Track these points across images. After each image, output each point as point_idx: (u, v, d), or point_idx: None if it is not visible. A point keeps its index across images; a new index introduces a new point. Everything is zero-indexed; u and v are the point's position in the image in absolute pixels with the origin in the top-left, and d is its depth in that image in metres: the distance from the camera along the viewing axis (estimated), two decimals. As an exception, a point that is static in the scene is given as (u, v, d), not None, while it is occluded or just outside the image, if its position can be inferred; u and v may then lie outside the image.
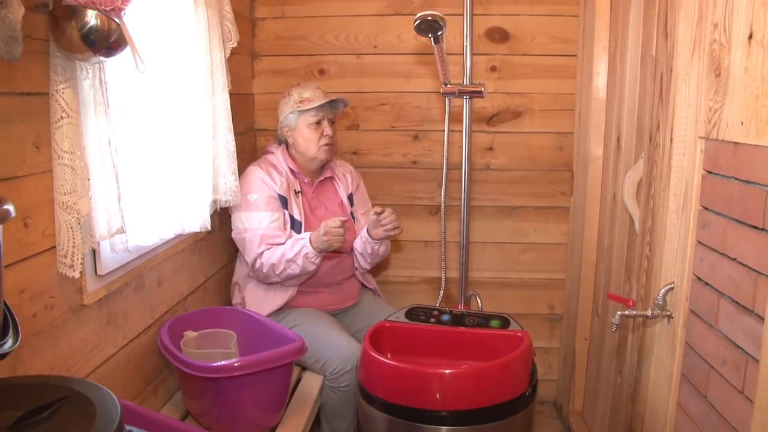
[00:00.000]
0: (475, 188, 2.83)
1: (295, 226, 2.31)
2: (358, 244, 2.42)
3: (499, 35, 2.72)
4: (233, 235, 2.31)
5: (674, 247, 1.59)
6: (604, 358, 2.35)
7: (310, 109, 2.32)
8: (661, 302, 1.60)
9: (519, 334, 1.93)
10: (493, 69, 2.74)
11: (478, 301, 2.34)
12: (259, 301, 2.30)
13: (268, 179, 2.31)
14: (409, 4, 2.72)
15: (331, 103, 2.36)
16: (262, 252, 2.22)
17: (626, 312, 1.69)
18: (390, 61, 2.77)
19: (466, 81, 2.17)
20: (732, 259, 1.30)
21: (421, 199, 2.88)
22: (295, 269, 2.20)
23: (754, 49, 1.23)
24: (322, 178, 2.46)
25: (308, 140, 2.35)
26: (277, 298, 2.30)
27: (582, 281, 2.59)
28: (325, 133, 2.34)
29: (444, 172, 2.30)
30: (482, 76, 2.73)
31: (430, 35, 1.93)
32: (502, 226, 2.87)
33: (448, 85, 2.17)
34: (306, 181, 2.43)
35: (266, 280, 2.27)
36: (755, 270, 1.21)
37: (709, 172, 1.43)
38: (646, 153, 1.88)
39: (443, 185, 2.31)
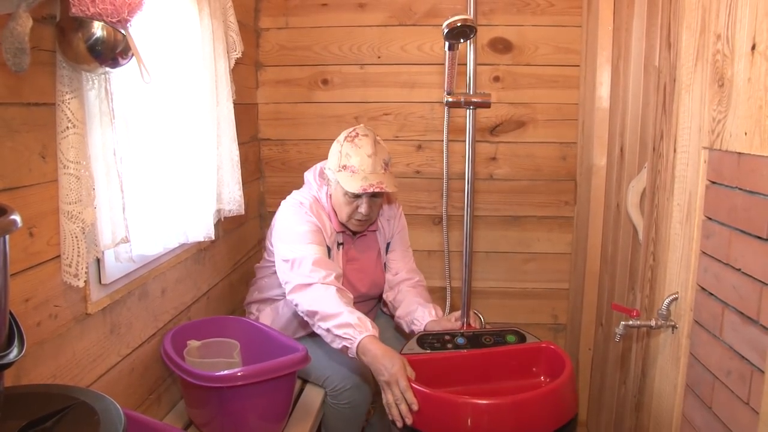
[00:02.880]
0: (479, 198, 2.83)
1: None
2: (403, 322, 2.19)
3: (502, 45, 2.73)
4: (280, 262, 2.05)
5: (678, 258, 1.59)
6: (608, 368, 2.34)
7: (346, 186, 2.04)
8: (665, 312, 1.59)
9: (544, 345, 1.84)
10: (497, 79, 2.75)
11: (481, 318, 2.22)
12: (274, 326, 2.20)
13: (319, 223, 2.10)
14: (413, 15, 2.73)
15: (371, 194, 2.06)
16: (326, 285, 1.92)
17: (630, 322, 1.69)
18: (394, 71, 2.78)
19: (469, 90, 2.10)
20: (736, 270, 1.30)
21: (424, 208, 2.88)
22: (324, 336, 1.91)
23: (757, 60, 1.23)
24: (364, 233, 2.28)
25: (340, 207, 2.12)
26: (295, 333, 2.22)
27: (586, 291, 2.58)
28: (359, 210, 2.09)
29: (444, 182, 2.26)
30: (485, 86, 2.74)
31: (462, 40, 1.87)
32: (506, 236, 2.87)
33: (452, 94, 2.09)
34: (347, 233, 2.23)
35: (292, 305, 2.03)
36: (760, 280, 1.21)
37: (713, 183, 1.42)
38: (650, 163, 1.88)
39: (444, 195, 2.28)
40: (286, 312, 2.21)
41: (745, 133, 1.27)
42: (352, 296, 2.01)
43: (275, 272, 2.13)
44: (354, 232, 2.24)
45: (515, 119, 2.79)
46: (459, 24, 1.82)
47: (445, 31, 1.85)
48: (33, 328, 1.30)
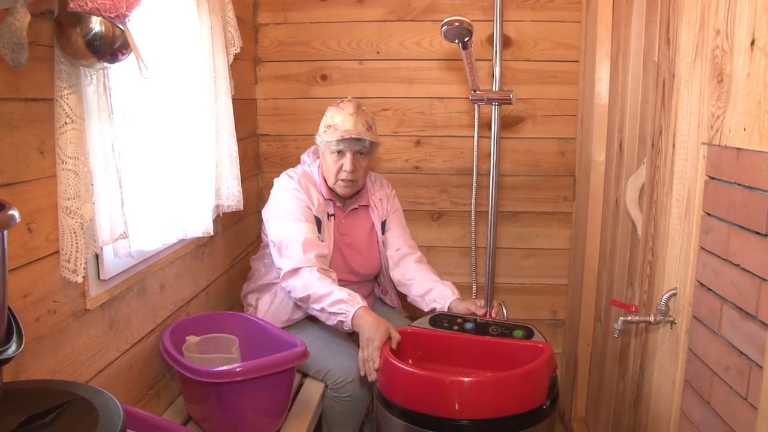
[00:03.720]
0: (478, 193, 2.82)
1: None
2: (423, 302, 2.23)
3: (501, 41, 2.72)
4: (270, 238, 2.16)
5: (677, 253, 1.59)
6: (606, 364, 2.35)
7: (332, 140, 2.17)
8: (663, 308, 1.59)
9: (540, 345, 1.88)
10: (496, 75, 2.75)
11: (504, 310, 2.23)
12: (273, 313, 2.24)
13: (305, 196, 2.19)
14: (411, 11, 2.73)
15: (354, 140, 2.16)
16: (310, 267, 2.02)
17: (629, 318, 1.69)
18: (392, 67, 2.78)
19: (495, 87, 2.11)
20: (735, 265, 1.30)
21: (423, 204, 2.88)
22: (319, 316, 2.02)
23: (757, 56, 1.23)
24: (355, 206, 2.34)
25: (328, 168, 2.21)
26: (293, 313, 2.24)
27: (584, 287, 2.58)
28: (344, 168, 2.17)
29: (474, 178, 2.36)
30: (483, 82, 2.74)
31: (457, 41, 1.90)
32: (505, 232, 2.87)
33: (477, 91, 2.14)
34: (338, 205, 2.30)
35: (287, 291, 2.11)
36: (758, 276, 1.21)
37: (712, 178, 1.42)
38: (649, 159, 1.88)
39: (473, 191, 2.39)
40: (282, 295, 2.23)
41: (744, 129, 1.27)
42: (335, 275, 2.08)
43: (271, 260, 2.20)
44: (344, 205, 2.31)
45: (514, 115, 2.79)
46: (456, 24, 1.84)
47: (443, 28, 1.87)
48: (32, 324, 1.30)
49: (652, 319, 1.62)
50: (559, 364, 2.92)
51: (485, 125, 2.78)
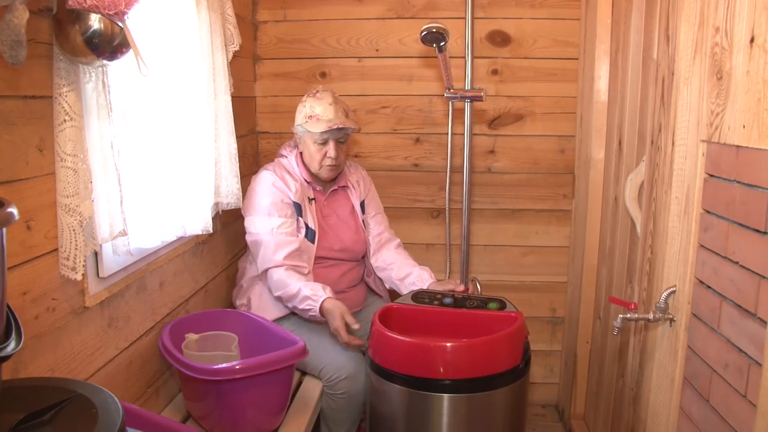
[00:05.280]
0: (477, 191, 2.83)
1: (309, 234, 2.28)
2: (402, 285, 2.37)
3: (500, 38, 2.72)
4: (246, 238, 2.28)
5: (676, 251, 1.59)
6: (605, 361, 2.35)
7: (314, 131, 2.25)
8: (663, 305, 1.59)
9: (513, 314, 2.08)
10: (495, 72, 2.75)
11: (478, 286, 2.48)
12: (265, 306, 2.28)
13: (282, 184, 2.27)
14: (411, 8, 2.73)
15: (337, 129, 2.26)
16: (278, 267, 2.15)
17: (628, 315, 1.69)
18: (391, 65, 2.78)
19: (467, 86, 2.27)
20: (734, 263, 1.30)
21: (422, 201, 2.88)
22: (296, 311, 2.18)
23: (756, 53, 1.23)
24: (335, 187, 2.43)
25: (312, 156, 2.30)
26: (281, 308, 2.28)
27: (584, 284, 2.58)
28: (328, 155, 2.27)
29: (447, 175, 2.38)
30: (484, 80, 2.74)
31: (434, 44, 2.06)
32: (504, 229, 2.88)
33: (451, 90, 2.28)
34: (318, 189, 2.39)
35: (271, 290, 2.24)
36: (758, 273, 1.21)
37: (711, 176, 1.42)
38: (648, 156, 1.88)
39: (447, 188, 2.38)
40: (267, 290, 2.29)
41: (744, 126, 1.27)
42: (306, 270, 2.20)
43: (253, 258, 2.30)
44: (325, 188, 2.40)
45: (513, 112, 2.78)
46: (434, 30, 2.00)
47: (422, 34, 2.03)
48: (31, 322, 1.30)
49: (651, 316, 1.62)
50: (558, 361, 2.93)
51: (483, 122, 2.78)
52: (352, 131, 2.33)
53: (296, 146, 2.38)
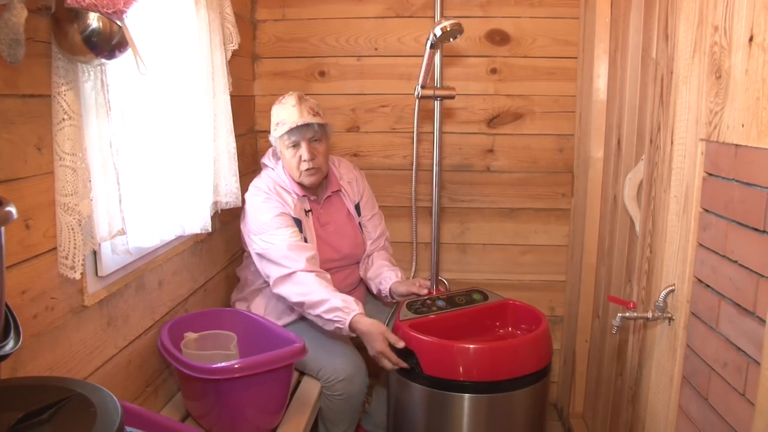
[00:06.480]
0: (476, 190, 2.83)
1: None
2: (372, 284, 2.41)
3: (499, 37, 2.72)
4: (255, 252, 2.18)
5: (675, 250, 1.59)
6: (604, 360, 2.35)
7: (283, 134, 2.20)
8: (661, 304, 1.59)
9: (536, 311, 2.19)
10: (494, 71, 2.75)
11: (446, 283, 2.54)
12: (269, 316, 2.24)
13: (279, 200, 2.21)
14: (410, 7, 2.72)
15: (303, 127, 2.18)
16: (303, 271, 2.06)
17: (627, 314, 1.69)
18: (390, 63, 2.77)
19: (437, 84, 2.34)
20: (733, 262, 1.30)
21: (421, 200, 2.86)
22: (315, 320, 2.08)
23: (755, 52, 1.23)
24: (328, 194, 2.37)
25: (289, 164, 2.24)
26: (286, 316, 2.27)
27: (582, 283, 2.58)
28: (303, 158, 2.19)
29: (414, 173, 2.42)
30: (483, 78, 2.74)
31: (438, 42, 2.13)
32: (503, 228, 2.87)
33: (424, 88, 2.29)
34: (313, 199, 2.33)
35: (280, 296, 2.15)
36: (756, 272, 1.21)
37: (710, 175, 1.42)
38: (647, 155, 1.88)
39: (413, 186, 2.43)
40: (274, 299, 2.25)
41: (743, 125, 1.27)
42: (330, 276, 2.15)
43: (256, 268, 2.23)
44: (319, 197, 2.35)
45: (512, 111, 2.78)
46: (449, 28, 2.06)
47: (439, 34, 2.08)
48: (29, 321, 1.30)
49: (650, 315, 1.62)
50: (557, 360, 2.93)
51: (482, 121, 2.78)
52: (322, 128, 2.24)
53: (278, 156, 2.32)
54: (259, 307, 2.29)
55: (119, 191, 1.49)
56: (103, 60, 1.37)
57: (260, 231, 2.16)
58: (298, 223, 2.22)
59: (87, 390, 1.01)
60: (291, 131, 2.18)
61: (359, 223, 2.45)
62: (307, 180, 2.24)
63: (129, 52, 1.39)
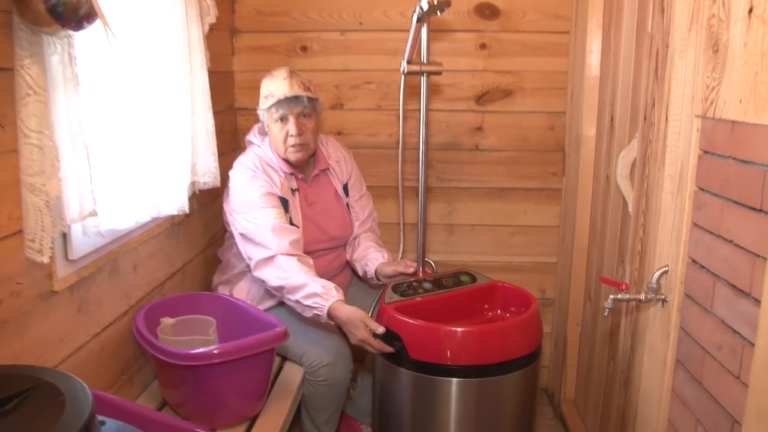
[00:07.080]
0: (464, 169, 2.78)
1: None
2: (358, 266, 2.37)
3: (489, 11, 2.66)
4: (236, 234, 2.13)
5: (669, 230, 1.56)
6: (596, 343, 2.34)
7: (270, 106, 2.15)
8: (655, 286, 1.58)
9: (526, 292, 2.16)
10: (483, 46, 2.68)
11: (433, 265, 2.45)
12: (252, 301, 2.21)
13: (265, 178, 2.16)
14: (396, -21, 2.65)
15: (292, 99, 2.14)
16: (284, 255, 2.01)
17: (619, 296, 1.67)
18: (376, 38, 2.70)
19: (424, 59, 2.24)
20: (728, 242, 1.28)
21: (408, 180, 2.81)
22: (294, 306, 2.03)
23: (755, 24, 1.19)
24: (316, 172, 2.32)
25: (276, 139, 2.18)
26: (268, 301, 2.23)
27: (574, 265, 2.56)
28: (290, 133, 2.14)
29: (400, 152, 2.38)
30: (471, 54, 2.68)
31: (425, 15, 2.06)
32: (492, 209, 2.83)
33: (411, 63, 2.22)
34: (300, 177, 2.27)
35: (260, 280, 2.10)
36: (752, 252, 1.19)
37: (706, 152, 1.39)
38: (641, 133, 1.85)
39: (399, 165, 2.38)
40: (257, 283, 2.20)
41: (740, 101, 1.24)
42: (312, 261, 2.09)
43: (239, 250, 2.17)
44: (306, 174, 2.30)
45: (502, 88, 2.72)
46: (436, 2, 1.99)
47: (425, 7, 2.00)
48: (-7, 307, 1.24)
49: (643, 297, 1.61)
50: (547, 344, 2.91)
51: (471, 98, 2.72)
52: (312, 103, 2.19)
53: (265, 133, 2.27)
54: (242, 291, 2.24)
55: (90, 170, 1.43)
56: (70, 32, 1.30)
57: (244, 210, 2.10)
58: (284, 202, 2.17)
59: (55, 378, 0.98)
60: (279, 103, 2.13)
61: (347, 204, 2.41)
62: (293, 156, 2.19)
63: (98, 23, 1.32)
